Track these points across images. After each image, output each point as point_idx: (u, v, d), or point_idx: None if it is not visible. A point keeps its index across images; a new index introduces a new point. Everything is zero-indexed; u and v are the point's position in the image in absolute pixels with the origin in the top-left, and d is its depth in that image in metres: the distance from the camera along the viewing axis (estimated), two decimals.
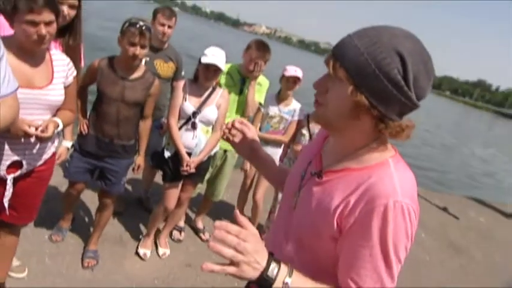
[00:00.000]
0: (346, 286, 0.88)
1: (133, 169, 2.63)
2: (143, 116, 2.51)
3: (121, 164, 2.47)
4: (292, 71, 3.13)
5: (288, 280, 0.82)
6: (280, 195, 3.34)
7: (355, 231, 0.86)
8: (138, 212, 3.34)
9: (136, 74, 2.34)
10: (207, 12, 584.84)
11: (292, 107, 3.22)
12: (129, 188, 3.69)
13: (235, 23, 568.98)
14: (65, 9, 1.93)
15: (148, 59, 2.90)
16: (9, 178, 1.70)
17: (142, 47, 2.20)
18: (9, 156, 1.67)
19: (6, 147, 1.65)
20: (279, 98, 3.27)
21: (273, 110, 3.24)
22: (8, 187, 1.70)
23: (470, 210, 6.63)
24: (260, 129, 3.21)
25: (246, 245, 0.78)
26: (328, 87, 0.88)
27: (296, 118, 3.21)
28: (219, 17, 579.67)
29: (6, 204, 1.72)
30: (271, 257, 0.83)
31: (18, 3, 1.46)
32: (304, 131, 3.16)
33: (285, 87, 3.19)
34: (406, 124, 0.86)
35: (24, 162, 1.72)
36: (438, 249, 4.61)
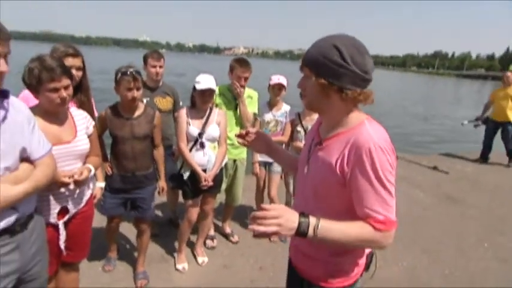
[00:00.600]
0: (364, 216, 1.07)
1: (158, 193, 2.69)
2: (154, 145, 2.58)
3: (147, 191, 2.52)
4: (276, 79, 3.21)
5: (317, 223, 1.03)
6: (291, 188, 3.41)
7: (355, 175, 1.06)
8: (171, 231, 3.37)
9: (139, 112, 2.41)
10: (190, 47, 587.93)
11: (284, 110, 3.30)
12: (159, 212, 3.73)
13: (216, 50, 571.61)
14: (74, 72, 2.01)
15: (148, 99, 2.98)
16: (61, 223, 1.75)
17: (138, 89, 2.28)
18: (56, 205, 1.73)
19: (52, 198, 1.71)
20: (271, 104, 3.34)
21: (268, 116, 3.31)
22: (61, 231, 1.75)
23: (457, 164, 6.67)
24: None
25: (279, 211, 1.01)
26: (306, 84, 1.15)
27: (289, 119, 3.28)
28: (201, 48, 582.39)
29: (62, 247, 1.77)
30: (301, 214, 1.04)
31: (42, 76, 1.54)
32: (299, 128, 3.22)
33: (273, 94, 3.27)
34: (363, 91, 1.09)
35: (69, 207, 1.78)
36: (437, 204, 4.62)
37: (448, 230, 3.88)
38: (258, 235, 1.00)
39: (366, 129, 1.08)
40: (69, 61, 1.98)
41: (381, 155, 1.04)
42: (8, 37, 1.19)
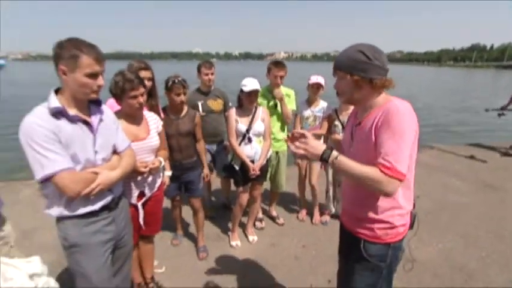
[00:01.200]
0: (380, 163, 1.18)
1: (203, 178, 2.83)
2: (196, 140, 2.71)
3: (193, 175, 2.68)
4: (315, 79, 3.20)
5: (337, 155, 1.22)
6: (330, 177, 3.41)
7: (380, 131, 1.21)
8: (225, 214, 3.52)
9: (183, 113, 2.56)
10: (236, 55, 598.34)
11: (321, 106, 3.28)
12: (215, 198, 3.92)
13: (260, 57, 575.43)
14: (146, 82, 2.21)
15: (202, 102, 3.14)
16: (139, 204, 1.95)
17: (185, 94, 2.44)
18: (136, 190, 1.93)
19: (132, 184, 1.91)
20: (309, 101, 3.33)
21: (307, 113, 3.31)
22: (140, 211, 1.95)
23: (494, 154, 6.10)
24: (302, 129, 3.30)
25: (310, 141, 1.25)
26: (341, 84, 1.34)
27: (326, 114, 3.26)
28: (246, 56, 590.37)
29: (142, 222, 1.98)
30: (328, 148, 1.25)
31: (125, 86, 1.74)
32: (337, 122, 3.18)
33: (312, 92, 3.26)
34: (387, 79, 1.28)
35: (145, 192, 1.98)
36: (475, 192, 4.28)
37: (487, 216, 3.59)
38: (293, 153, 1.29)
39: (394, 102, 1.27)
40: (142, 74, 2.17)
41: (402, 116, 1.20)
42: (103, 59, 1.36)
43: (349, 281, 1.47)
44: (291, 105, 3.20)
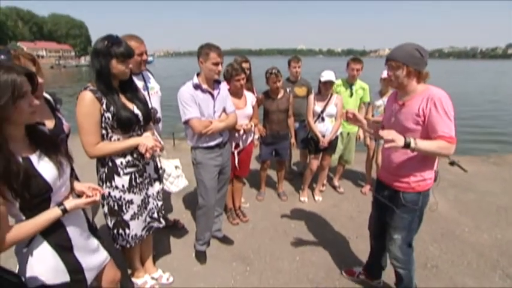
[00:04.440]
0: (439, 136, 1.54)
1: (291, 145, 3.49)
2: (288, 116, 3.34)
3: (285, 144, 3.36)
4: (385, 74, 3.45)
5: (415, 140, 1.53)
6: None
7: (432, 113, 1.56)
8: (300, 179, 4.02)
9: (280, 95, 3.23)
10: (339, 52, 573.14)
11: None
12: (295, 167, 4.59)
13: (363, 53, 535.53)
14: (246, 69, 3.01)
15: (290, 88, 3.78)
16: (236, 152, 2.78)
17: (279, 81, 3.11)
18: (234, 141, 2.77)
19: (232, 138, 2.75)
20: (382, 93, 3.59)
21: (378, 102, 3.57)
22: (235, 156, 2.78)
23: None
24: (372, 116, 3.63)
25: (392, 132, 1.54)
26: (394, 73, 1.66)
27: None
28: (349, 52, 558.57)
29: (236, 164, 2.81)
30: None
31: (232, 73, 2.53)
32: (380, 103, 3.53)
33: (384, 85, 3.53)
34: (426, 72, 1.65)
35: (240, 144, 2.80)
36: None
37: None
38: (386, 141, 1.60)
39: (434, 89, 1.62)
40: (243, 65, 2.96)
41: (445, 100, 1.56)
42: (223, 54, 2.15)
43: (392, 222, 1.84)
44: (365, 97, 3.56)
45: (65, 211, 1.16)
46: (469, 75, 38.61)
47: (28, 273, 1.17)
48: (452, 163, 5.02)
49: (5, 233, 1.02)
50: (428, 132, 1.60)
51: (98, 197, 1.28)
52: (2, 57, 1.42)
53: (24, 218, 1.11)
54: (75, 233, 1.26)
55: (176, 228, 2.97)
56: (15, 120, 1.04)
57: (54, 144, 1.19)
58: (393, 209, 1.81)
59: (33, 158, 1.11)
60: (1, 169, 0.97)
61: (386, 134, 1.50)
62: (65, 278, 1.23)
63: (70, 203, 1.19)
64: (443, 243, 2.79)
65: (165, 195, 3.50)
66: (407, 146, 1.52)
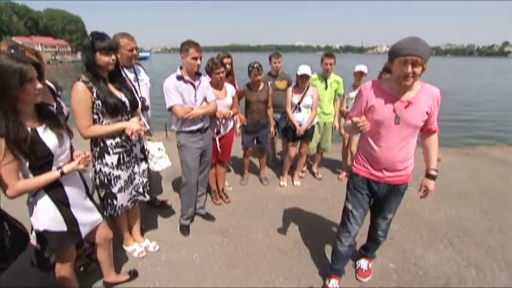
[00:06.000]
0: (434, 127, 1.76)
1: (270, 133, 3.77)
2: (268, 107, 3.63)
3: (265, 132, 3.67)
4: (359, 68, 3.79)
5: (432, 169, 1.88)
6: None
7: (434, 111, 1.70)
8: (281, 166, 4.43)
9: (261, 87, 3.52)
10: (336, 48, 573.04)
11: None
12: (279, 157, 4.91)
13: (360, 50, 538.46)
14: (227, 66, 3.30)
15: (271, 81, 4.08)
16: (217, 138, 3.08)
17: (260, 75, 3.40)
18: (215, 128, 3.06)
19: (212, 124, 3.04)
20: (355, 86, 3.90)
21: (352, 94, 3.90)
22: (217, 141, 3.07)
23: None
24: (347, 107, 3.95)
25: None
26: (413, 70, 1.54)
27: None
28: (347, 49, 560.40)
29: (219, 149, 3.11)
30: (427, 175, 1.88)
31: (212, 67, 2.80)
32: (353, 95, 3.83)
33: (356, 79, 3.84)
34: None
35: (221, 131, 3.10)
36: None
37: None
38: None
39: (431, 86, 1.69)
40: (225, 60, 3.25)
41: (440, 97, 1.69)
42: (201, 50, 2.45)
43: (388, 206, 2.01)
44: (339, 89, 3.88)
45: (62, 173, 1.47)
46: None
47: (33, 220, 1.50)
48: None
49: (15, 183, 1.34)
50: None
51: (88, 157, 1.60)
52: (12, 51, 1.71)
53: (31, 176, 1.42)
54: (71, 192, 1.57)
55: (164, 208, 3.28)
56: (24, 99, 1.34)
57: (57, 120, 1.50)
58: (391, 198, 1.97)
59: (39, 129, 1.42)
60: (13, 134, 1.29)
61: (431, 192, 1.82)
62: (63, 227, 1.54)
63: (67, 166, 1.50)
64: (403, 220, 3.13)
65: (156, 178, 3.84)
66: (435, 178, 1.83)
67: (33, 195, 1.47)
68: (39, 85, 1.36)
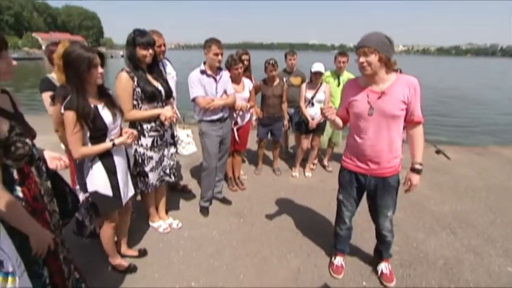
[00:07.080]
0: (418, 118, 1.79)
1: (284, 126, 4.00)
2: (282, 101, 3.88)
3: (279, 125, 3.92)
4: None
5: (417, 164, 1.89)
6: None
7: (413, 98, 1.74)
8: (293, 159, 4.70)
9: (276, 83, 3.77)
10: (350, 47, 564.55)
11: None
12: (292, 150, 5.16)
13: None
14: (245, 62, 3.56)
15: (287, 78, 4.33)
16: (235, 128, 3.36)
17: (276, 70, 3.64)
18: (233, 119, 3.34)
19: (233, 115, 3.33)
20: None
21: None
22: (235, 131, 3.35)
23: None
24: None
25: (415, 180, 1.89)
26: (368, 59, 1.68)
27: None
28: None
29: (237, 138, 3.38)
30: (411, 170, 1.91)
31: (231, 63, 3.07)
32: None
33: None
34: (394, 60, 1.72)
35: (238, 122, 3.38)
36: None
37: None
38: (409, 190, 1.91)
39: (407, 76, 1.77)
40: (243, 57, 3.52)
41: (419, 86, 1.75)
42: (223, 47, 2.73)
43: (383, 203, 2.03)
44: None
45: (114, 145, 1.80)
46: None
47: (88, 181, 1.84)
48: (438, 151, 5.48)
49: (80, 148, 1.69)
50: (407, 116, 1.78)
51: (135, 133, 1.91)
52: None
53: (90, 145, 1.76)
54: (118, 163, 1.88)
55: (185, 192, 3.60)
56: (90, 81, 1.66)
57: (112, 101, 1.83)
58: (383, 193, 1.99)
59: (100, 106, 1.74)
60: (81, 108, 1.61)
61: (415, 186, 1.87)
62: (109, 192, 1.86)
63: (118, 139, 1.83)
64: (409, 211, 3.33)
65: (177, 166, 4.16)
66: (419, 172, 1.86)
67: (91, 160, 1.80)
68: (101, 70, 1.68)
